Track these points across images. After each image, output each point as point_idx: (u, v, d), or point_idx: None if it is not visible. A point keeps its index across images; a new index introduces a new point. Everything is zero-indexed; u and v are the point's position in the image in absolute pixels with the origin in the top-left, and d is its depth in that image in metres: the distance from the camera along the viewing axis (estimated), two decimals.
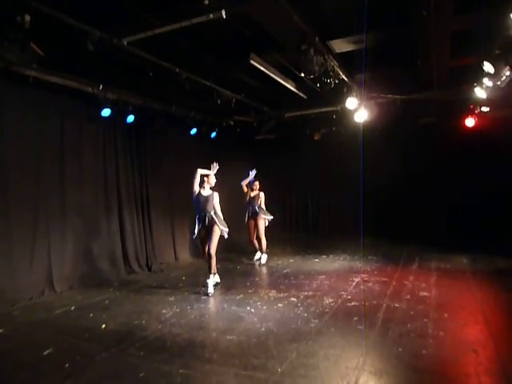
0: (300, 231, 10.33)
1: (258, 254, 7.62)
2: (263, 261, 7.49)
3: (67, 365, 3.42)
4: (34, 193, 5.60)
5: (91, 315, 4.77)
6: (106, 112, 6.13)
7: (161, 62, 5.18)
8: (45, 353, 3.69)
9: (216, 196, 5.66)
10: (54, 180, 5.90)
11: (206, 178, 5.68)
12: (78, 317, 4.74)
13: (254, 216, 7.48)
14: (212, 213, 5.57)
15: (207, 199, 5.60)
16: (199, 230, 5.63)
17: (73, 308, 5.06)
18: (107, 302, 5.31)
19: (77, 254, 6.12)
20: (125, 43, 4.47)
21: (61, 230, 5.94)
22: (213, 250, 5.54)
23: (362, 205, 6.56)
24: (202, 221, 5.58)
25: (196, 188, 5.65)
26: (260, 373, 3.17)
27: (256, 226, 7.49)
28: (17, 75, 4.93)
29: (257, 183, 7.64)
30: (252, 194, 7.59)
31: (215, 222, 5.53)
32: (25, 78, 5.02)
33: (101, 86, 5.93)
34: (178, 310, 4.89)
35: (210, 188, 5.72)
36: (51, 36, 4.31)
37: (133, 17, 4.27)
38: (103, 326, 4.38)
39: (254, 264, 7.41)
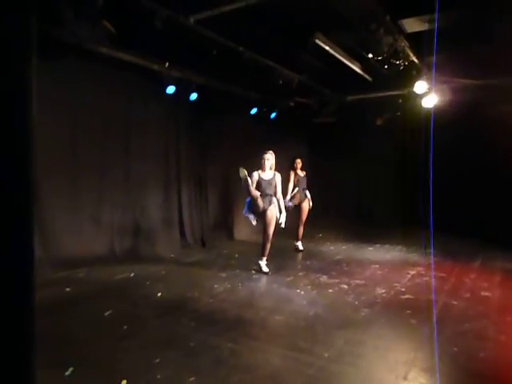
0: (354, 218, 10.08)
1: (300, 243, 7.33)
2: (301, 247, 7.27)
3: (125, 327, 3.66)
4: (100, 161, 5.96)
5: (148, 283, 5.04)
6: (170, 89, 6.29)
7: (225, 40, 5.19)
8: (106, 314, 3.97)
9: (278, 177, 5.64)
10: (119, 151, 6.23)
11: (262, 161, 5.58)
12: (136, 284, 5.04)
13: (306, 197, 7.15)
14: (272, 196, 5.55)
15: (269, 182, 5.55)
16: (259, 212, 5.54)
17: (132, 275, 5.38)
18: (163, 272, 5.58)
19: (136, 224, 6.46)
20: (191, 21, 4.52)
21: (123, 198, 6.28)
22: (270, 233, 5.57)
23: (431, 196, 6.20)
24: (263, 201, 5.47)
25: (254, 192, 5.44)
26: (306, 356, 3.19)
27: (303, 209, 7.16)
28: (88, 52, 5.17)
29: (299, 160, 7.24)
30: (302, 174, 7.23)
31: (273, 206, 5.54)
32: (96, 55, 5.26)
33: (166, 64, 6.08)
34: (229, 286, 5.02)
35: (270, 170, 5.64)
36: (122, 14, 4.45)
37: None
38: (159, 294, 4.61)
39: (301, 248, 7.23)
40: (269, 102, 8.32)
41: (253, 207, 5.55)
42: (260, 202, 5.44)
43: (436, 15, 4.60)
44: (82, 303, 4.29)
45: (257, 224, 5.77)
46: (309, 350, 3.30)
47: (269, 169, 5.61)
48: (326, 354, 3.21)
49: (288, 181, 7.01)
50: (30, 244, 1.15)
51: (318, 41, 5.11)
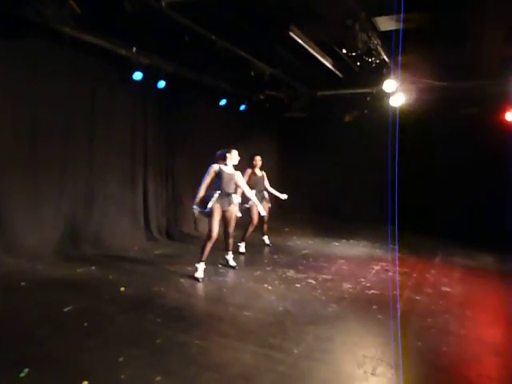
0: (321, 213, 10.19)
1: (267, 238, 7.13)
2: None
3: (86, 324, 3.48)
4: (62, 153, 5.65)
5: (111, 277, 4.85)
6: (137, 75, 6.04)
7: (197, 27, 5.02)
8: (65, 309, 3.77)
9: (238, 175, 5.32)
10: (82, 142, 5.93)
11: (228, 156, 5.20)
12: (98, 277, 4.83)
13: (263, 198, 6.67)
14: (232, 195, 5.20)
15: (231, 177, 5.20)
16: (214, 207, 5.00)
17: (93, 268, 5.15)
18: (127, 266, 5.38)
19: (100, 216, 6.19)
20: (163, 4, 4.33)
21: (86, 191, 6.01)
22: (233, 231, 5.37)
23: (396, 194, 6.31)
24: (223, 200, 5.09)
25: (207, 180, 5.09)
26: (276, 352, 3.15)
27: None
28: (52, 32, 4.85)
29: (259, 158, 6.68)
30: (259, 173, 6.73)
31: (234, 203, 5.23)
32: (60, 35, 4.94)
33: (134, 49, 5.82)
34: (196, 280, 4.91)
35: (233, 166, 5.29)
36: None
37: None
38: (122, 289, 4.44)
39: (267, 242, 7.12)
40: (239, 93, 8.21)
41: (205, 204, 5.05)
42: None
43: (401, 15, 4.65)
44: (40, 298, 4.05)
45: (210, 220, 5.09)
46: (279, 346, 3.27)
47: (231, 165, 5.26)
48: (296, 351, 3.19)
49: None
50: None
51: (292, 34, 5.05)
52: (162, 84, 6.51)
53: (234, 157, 5.24)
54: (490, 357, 3.37)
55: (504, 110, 7.29)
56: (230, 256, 5.58)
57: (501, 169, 7.63)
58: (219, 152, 5.26)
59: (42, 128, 5.39)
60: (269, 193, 6.89)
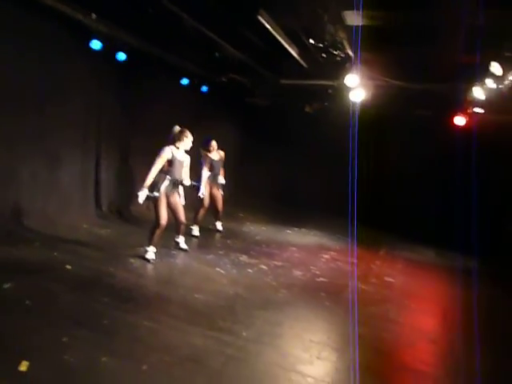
0: (276, 201, 10.30)
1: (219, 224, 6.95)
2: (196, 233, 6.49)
3: (28, 302, 3.31)
4: (11, 122, 5.24)
5: (55, 254, 4.63)
6: (95, 44, 5.69)
7: (165, 1, 4.81)
8: (5, 286, 3.55)
9: (188, 159, 5.12)
10: (32, 112, 5.52)
11: (183, 138, 4.93)
12: (42, 254, 4.59)
13: (217, 184, 6.65)
14: (180, 182, 5.01)
15: (181, 164, 4.98)
16: (161, 195, 4.79)
17: (37, 244, 4.89)
18: (74, 244, 5.15)
19: (48, 192, 5.86)
20: None
21: (34, 166, 5.62)
22: (183, 218, 5.17)
23: (354, 187, 6.50)
24: (171, 187, 4.91)
25: (159, 164, 4.80)
26: (225, 335, 3.18)
27: (215, 197, 6.66)
28: None
29: (214, 143, 6.57)
30: (216, 158, 6.60)
31: (181, 191, 5.08)
32: None
33: (93, 16, 5.48)
34: (146, 261, 4.81)
35: (185, 151, 5.07)
36: None
37: None
38: (68, 267, 4.26)
39: (220, 229, 6.99)
40: (202, 74, 8.03)
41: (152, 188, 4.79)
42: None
43: (360, 12, 4.71)
44: None
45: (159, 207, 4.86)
46: (228, 329, 3.30)
47: (183, 150, 5.02)
48: (245, 334, 3.24)
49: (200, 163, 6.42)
50: None
51: (260, 18, 4.98)
52: (122, 56, 6.20)
53: (188, 142, 5.02)
54: (425, 343, 3.63)
55: (453, 114, 7.71)
56: (181, 239, 5.49)
57: (450, 169, 8.07)
58: (174, 132, 5.04)
59: None
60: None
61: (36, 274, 3.97)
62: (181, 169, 4.99)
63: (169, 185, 4.86)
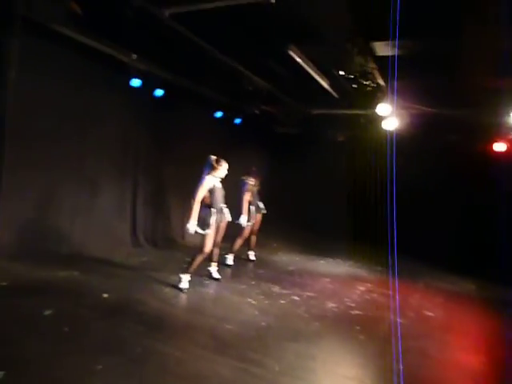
0: (309, 231, 10.20)
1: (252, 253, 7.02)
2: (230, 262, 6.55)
3: (66, 329, 3.42)
4: (51, 155, 5.56)
5: (94, 282, 4.77)
6: (136, 82, 6.05)
7: (198, 39, 5.07)
8: (45, 313, 3.69)
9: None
10: (73, 143, 5.87)
11: (219, 167, 5.05)
12: (81, 282, 4.75)
13: (257, 208, 6.73)
14: (224, 208, 5.21)
15: (221, 191, 5.17)
16: (211, 225, 4.95)
17: (77, 272, 5.07)
18: (110, 272, 5.30)
19: (87, 220, 6.11)
20: (166, 15, 4.38)
21: (74, 195, 5.91)
22: (220, 240, 5.38)
23: (388, 217, 6.37)
24: (219, 216, 5.10)
25: (202, 194, 4.92)
26: (256, 368, 3.12)
27: (256, 219, 6.73)
28: (52, 33, 4.86)
29: (255, 171, 6.68)
30: (256, 186, 6.67)
31: (226, 216, 5.28)
32: (60, 36, 4.94)
33: (134, 56, 5.85)
34: (179, 290, 4.86)
35: (219, 178, 5.17)
36: None
37: None
38: (104, 295, 4.37)
39: (252, 258, 7.03)
40: (234, 106, 8.27)
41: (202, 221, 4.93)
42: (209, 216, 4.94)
43: (396, 42, 4.76)
44: (20, 300, 3.96)
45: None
46: (259, 362, 3.24)
47: (219, 177, 5.13)
48: (277, 367, 3.17)
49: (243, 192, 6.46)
50: None
51: (291, 52, 5.13)
52: (159, 92, 6.54)
53: (223, 170, 5.13)
54: (467, 382, 3.39)
55: (491, 140, 7.48)
56: (213, 268, 5.53)
57: (487, 197, 7.78)
58: (209, 161, 5.15)
59: (32, 128, 5.28)
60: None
61: (74, 301, 4.10)
62: (221, 196, 5.15)
63: (217, 216, 5.02)
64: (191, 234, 4.98)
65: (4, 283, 4.34)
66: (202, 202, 4.97)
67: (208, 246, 4.95)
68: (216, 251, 5.44)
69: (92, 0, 4.42)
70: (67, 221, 5.84)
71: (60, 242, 5.73)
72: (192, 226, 4.83)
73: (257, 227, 6.86)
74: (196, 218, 4.85)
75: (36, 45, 5.08)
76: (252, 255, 7.01)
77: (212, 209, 4.99)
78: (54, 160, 5.61)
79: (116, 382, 2.71)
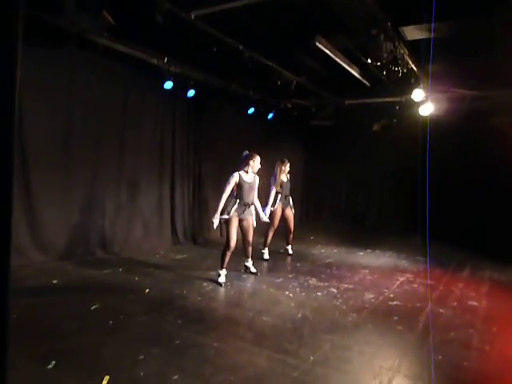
0: (347, 222, 10.11)
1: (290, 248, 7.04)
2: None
3: (110, 322, 3.63)
4: (93, 156, 5.90)
5: (136, 278, 5.01)
6: (168, 85, 6.25)
7: (225, 38, 5.17)
8: (92, 307, 3.94)
9: (257, 181, 5.30)
10: (113, 145, 6.18)
11: (251, 162, 5.14)
12: (125, 278, 5.01)
13: (289, 205, 6.73)
14: (251, 205, 5.21)
15: (251, 186, 5.17)
16: (232, 216, 5.02)
17: (121, 270, 5.35)
18: (152, 268, 5.54)
19: (128, 219, 6.41)
20: (192, 17, 4.49)
21: (116, 194, 6.24)
22: (251, 240, 5.39)
23: (427, 205, 6.19)
24: (242, 209, 5.10)
25: (228, 189, 5.06)
26: (291, 358, 3.18)
27: (288, 218, 6.73)
28: (88, 42, 5.13)
29: (288, 165, 6.60)
30: (285, 179, 6.63)
31: (253, 213, 5.26)
32: (95, 45, 5.22)
33: (165, 59, 6.04)
34: (218, 285, 5.00)
35: (253, 173, 5.23)
36: (123, 6, 4.42)
37: None
38: (147, 290, 4.58)
39: (290, 252, 7.01)
40: (266, 101, 8.32)
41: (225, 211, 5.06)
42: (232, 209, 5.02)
43: (432, 25, 4.62)
44: (69, 296, 4.25)
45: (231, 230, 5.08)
46: (295, 352, 3.29)
47: (252, 172, 5.21)
48: (312, 358, 3.20)
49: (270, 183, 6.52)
50: (5, 231, 1.12)
51: (318, 44, 5.10)
52: (191, 93, 6.71)
53: (256, 164, 5.21)
54: None
55: None
56: (249, 263, 5.64)
57: None
58: (243, 155, 5.27)
59: (76, 130, 5.65)
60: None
61: (119, 296, 4.34)
62: (250, 191, 5.18)
63: (238, 207, 5.07)
64: (217, 228, 5.20)
65: (55, 281, 4.66)
66: (231, 194, 5.10)
67: (231, 240, 4.99)
68: (249, 249, 5.48)
69: (122, 8, 4.60)
70: (109, 222, 6.15)
71: (104, 242, 6.06)
72: (216, 219, 4.99)
73: (291, 225, 6.83)
74: (219, 210, 4.99)
75: (74, 54, 5.38)
76: (290, 249, 7.06)
77: (237, 199, 5.06)
78: (96, 163, 5.94)
79: (157, 370, 2.86)
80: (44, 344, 3.15)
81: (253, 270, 5.59)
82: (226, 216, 5.02)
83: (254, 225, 5.33)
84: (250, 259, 5.59)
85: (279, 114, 8.69)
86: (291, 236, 6.98)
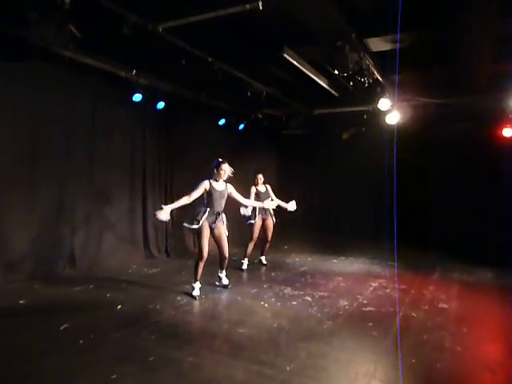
0: (320, 231, 10.20)
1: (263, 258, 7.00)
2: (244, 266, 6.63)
3: (81, 341, 3.51)
4: (62, 171, 5.75)
5: (108, 295, 4.88)
6: (137, 97, 6.18)
7: (194, 50, 5.17)
8: (61, 327, 3.80)
9: (230, 188, 5.20)
10: (82, 159, 6.04)
11: (219, 170, 5.03)
12: (96, 295, 4.87)
13: (269, 215, 6.67)
14: (222, 213, 5.10)
15: (222, 195, 5.08)
16: (203, 226, 4.92)
17: (91, 286, 5.19)
18: (124, 284, 5.41)
19: (99, 234, 6.25)
20: (160, 29, 4.48)
21: (85, 208, 6.09)
22: (226, 252, 5.22)
23: (395, 210, 6.34)
24: (213, 218, 5.00)
25: (194, 195, 4.95)
26: (268, 369, 3.16)
27: (267, 227, 6.70)
28: (53, 55, 5.02)
29: (260, 176, 6.63)
30: (262, 190, 6.63)
31: (224, 222, 5.15)
32: (61, 58, 5.11)
33: (134, 71, 5.98)
34: (192, 298, 4.93)
35: (224, 181, 5.14)
36: (89, 18, 4.36)
37: (169, 3, 4.27)
38: (119, 306, 4.47)
39: (264, 262, 6.99)
40: (237, 112, 8.35)
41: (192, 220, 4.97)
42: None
43: (398, 36, 4.79)
44: (37, 316, 4.09)
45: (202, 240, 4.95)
46: (271, 363, 3.27)
47: (222, 180, 5.12)
48: (288, 367, 3.20)
49: (247, 196, 6.30)
50: None
51: (285, 55, 5.19)
52: (161, 105, 6.66)
53: (224, 172, 5.06)
54: (485, 374, 3.35)
55: (499, 126, 7.38)
56: (223, 274, 5.50)
57: (497, 183, 7.68)
58: (213, 163, 5.15)
59: (42, 145, 5.50)
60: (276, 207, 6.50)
61: (90, 314, 4.21)
62: (221, 200, 5.08)
63: (209, 216, 4.97)
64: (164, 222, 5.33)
65: (21, 301, 4.47)
66: (202, 203, 5.03)
67: (203, 250, 4.88)
68: (224, 262, 5.33)
69: (88, 20, 4.54)
70: (79, 237, 5.98)
71: (73, 258, 5.88)
72: (164, 212, 4.67)
73: (269, 234, 6.77)
74: (174, 206, 4.84)
75: (39, 67, 5.25)
76: (264, 259, 7.05)
77: (207, 208, 4.98)
78: (64, 178, 5.79)
79: None
80: (14, 366, 3.02)
81: (225, 281, 5.50)
82: (195, 226, 4.92)
83: (227, 233, 5.19)
84: (224, 270, 5.52)
85: (250, 124, 8.74)
86: (267, 245, 6.95)
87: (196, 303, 4.81)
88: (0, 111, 4.89)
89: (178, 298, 4.91)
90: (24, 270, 5.22)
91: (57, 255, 5.68)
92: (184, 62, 5.21)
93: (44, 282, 5.22)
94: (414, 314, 4.61)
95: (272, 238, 6.92)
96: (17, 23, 4.22)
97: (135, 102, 6.31)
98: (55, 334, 3.67)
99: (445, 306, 5.00)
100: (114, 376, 2.93)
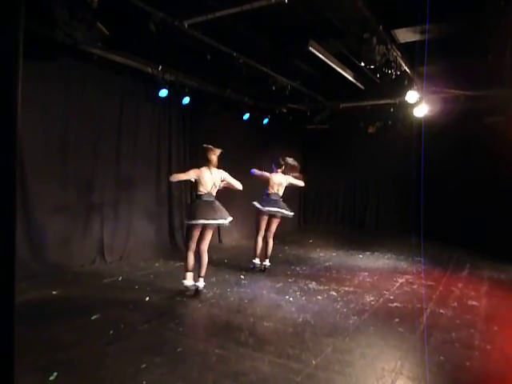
0: (346, 225, 10.13)
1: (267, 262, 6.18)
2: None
3: (111, 332, 3.61)
4: (90, 165, 5.92)
5: (136, 287, 5.00)
6: (163, 93, 6.28)
7: (219, 45, 5.20)
8: (92, 317, 3.92)
9: (223, 173, 4.89)
10: (110, 154, 6.19)
11: (208, 156, 4.80)
12: (125, 287, 4.99)
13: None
14: (216, 200, 4.81)
15: (214, 182, 4.79)
16: (197, 225, 4.70)
17: (120, 278, 5.33)
18: (152, 276, 5.53)
19: (128, 227, 6.41)
20: (186, 25, 4.53)
21: (114, 202, 6.25)
22: (205, 247, 4.95)
23: (421, 205, 6.21)
24: (206, 210, 4.67)
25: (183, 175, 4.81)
26: (294, 363, 3.17)
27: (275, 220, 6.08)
28: (82, 53, 5.17)
29: (283, 167, 6.09)
30: (277, 180, 6.03)
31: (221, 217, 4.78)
32: (89, 56, 5.25)
33: (160, 67, 6.07)
34: (218, 291, 5.00)
35: (215, 167, 4.83)
36: (116, 16, 4.45)
37: None
38: (147, 298, 4.57)
39: (290, 254, 6.87)
40: (262, 107, 8.35)
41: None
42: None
43: (427, 27, 4.67)
44: (69, 307, 4.23)
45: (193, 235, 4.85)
46: (297, 357, 3.28)
47: (213, 166, 4.81)
48: (314, 362, 3.20)
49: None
50: (9, 244, 1.12)
51: (311, 48, 5.14)
52: (186, 100, 6.74)
53: (211, 159, 4.80)
54: None
55: None
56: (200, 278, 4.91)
57: None
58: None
59: (73, 141, 5.68)
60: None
61: (119, 306, 4.32)
62: (212, 187, 4.79)
63: (203, 208, 4.70)
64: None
65: (54, 292, 4.64)
66: (196, 196, 4.83)
67: (189, 242, 4.82)
68: (203, 259, 4.98)
69: (116, 19, 4.63)
70: (108, 230, 6.15)
71: (103, 251, 6.05)
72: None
73: (273, 229, 6.15)
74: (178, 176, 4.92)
75: (69, 66, 5.40)
76: (267, 262, 6.17)
77: (199, 198, 4.76)
78: (92, 173, 5.96)
79: (159, 378, 2.85)
80: (45, 356, 3.13)
81: (200, 285, 4.85)
82: (192, 222, 4.72)
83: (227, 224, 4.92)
84: (202, 272, 4.91)
85: (275, 118, 8.73)
86: (271, 244, 6.19)
87: (221, 296, 4.86)
88: (32, 109, 5.04)
89: (204, 290, 4.97)
90: (56, 262, 5.40)
91: (87, 247, 5.86)
92: (209, 57, 5.24)
93: (75, 273, 5.39)
94: (441, 311, 4.53)
95: (275, 236, 6.29)
96: (47, 23, 4.35)
97: (161, 98, 6.42)
98: (86, 325, 3.78)
99: (474, 303, 4.89)
100: (143, 366, 3.01)
